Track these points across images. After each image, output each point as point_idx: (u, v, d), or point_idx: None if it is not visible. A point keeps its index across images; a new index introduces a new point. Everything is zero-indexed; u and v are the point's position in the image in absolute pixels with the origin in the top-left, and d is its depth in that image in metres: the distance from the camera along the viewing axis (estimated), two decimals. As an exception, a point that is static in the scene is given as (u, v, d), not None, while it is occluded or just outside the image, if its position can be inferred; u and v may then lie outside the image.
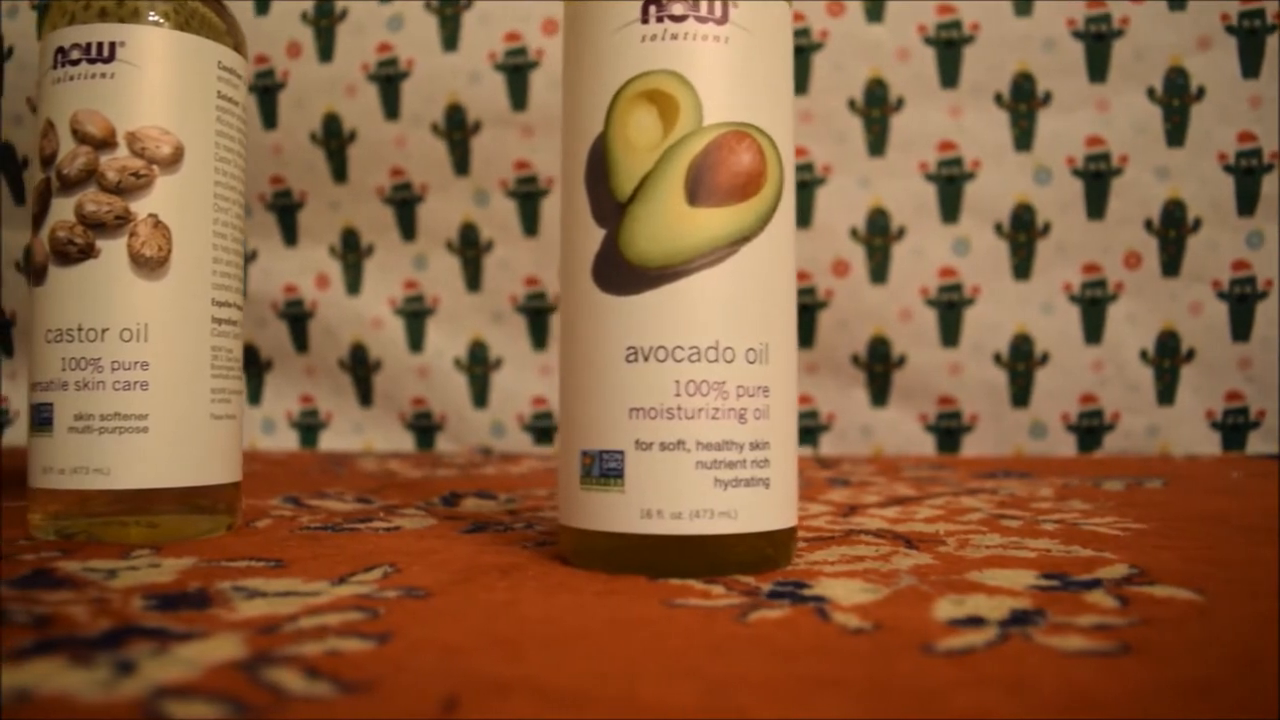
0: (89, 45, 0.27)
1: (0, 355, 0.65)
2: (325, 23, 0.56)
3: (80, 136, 0.27)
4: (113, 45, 0.27)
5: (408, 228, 0.57)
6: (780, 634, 0.18)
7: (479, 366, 0.57)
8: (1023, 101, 0.53)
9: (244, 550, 0.25)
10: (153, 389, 0.27)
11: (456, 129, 0.55)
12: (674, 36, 0.22)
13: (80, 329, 0.26)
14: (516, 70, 0.54)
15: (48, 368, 0.27)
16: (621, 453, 0.22)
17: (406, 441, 0.58)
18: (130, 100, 0.27)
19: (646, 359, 0.22)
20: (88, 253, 0.26)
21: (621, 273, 0.22)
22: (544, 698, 0.14)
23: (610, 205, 0.23)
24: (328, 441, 0.59)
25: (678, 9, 0.22)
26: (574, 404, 0.23)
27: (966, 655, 0.16)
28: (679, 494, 0.22)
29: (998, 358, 0.54)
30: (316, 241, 0.58)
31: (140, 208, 0.27)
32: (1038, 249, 0.53)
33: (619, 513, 0.22)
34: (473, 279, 0.57)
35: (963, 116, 0.53)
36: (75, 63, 0.27)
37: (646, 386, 0.22)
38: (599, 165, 0.23)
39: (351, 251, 0.58)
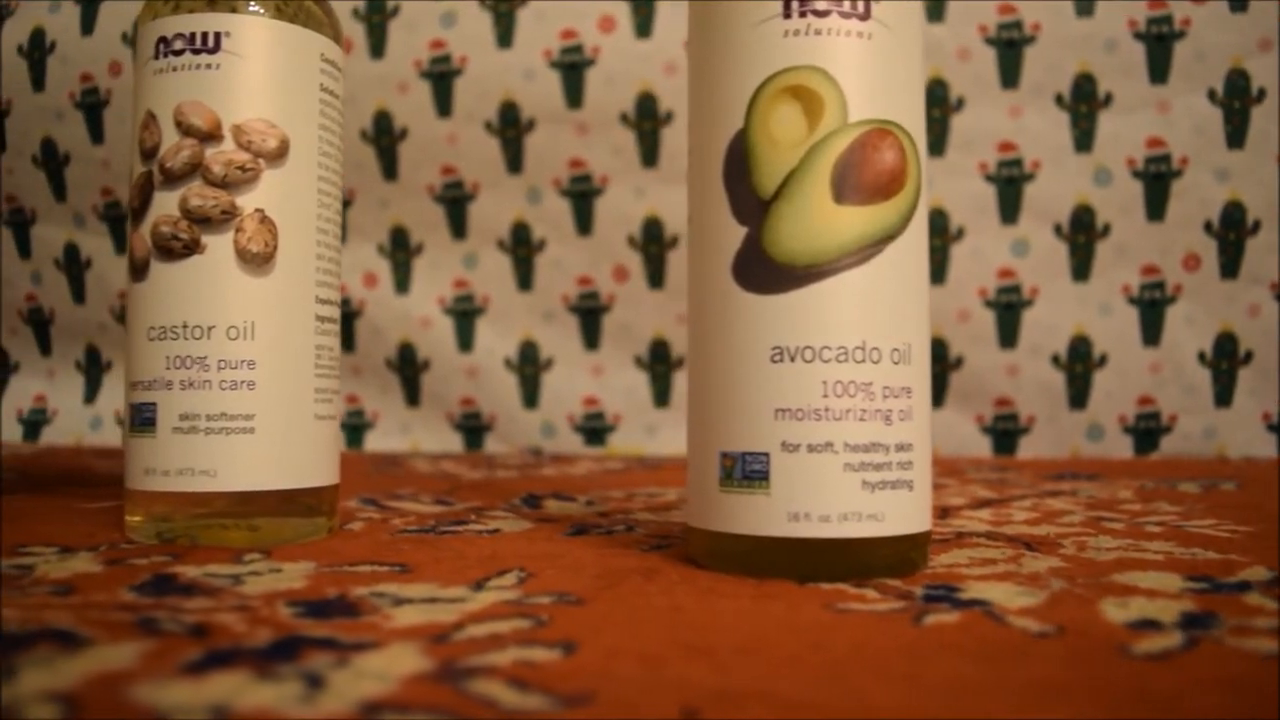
0: (193, 35, 0.26)
1: (14, 356, 0.64)
2: (377, 19, 0.55)
3: (185, 129, 0.26)
4: (218, 35, 0.26)
5: (458, 226, 0.56)
6: (967, 639, 0.17)
7: (529, 366, 0.57)
8: (1083, 102, 0.52)
9: (358, 554, 0.24)
10: (259, 388, 0.26)
11: (510, 127, 0.55)
12: (817, 32, 0.22)
13: (185, 326, 0.26)
14: (572, 68, 0.54)
15: (150, 366, 0.26)
16: (767, 454, 0.21)
17: (454, 442, 0.58)
18: (236, 92, 0.26)
19: (793, 359, 0.21)
20: (193, 248, 0.26)
21: (766, 271, 0.22)
22: (780, 706, 0.13)
23: (752, 203, 0.22)
24: (374, 442, 0.58)
25: (821, 4, 0.22)
26: (712, 404, 0.22)
27: (1169, 659, 0.16)
28: (827, 496, 0.21)
29: (1056, 359, 0.54)
30: (365, 240, 0.57)
31: (246, 202, 0.26)
32: (1097, 250, 0.53)
33: (764, 515, 0.21)
34: (524, 278, 0.56)
35: (1023, 117, 0.52)
36: (179, 53, 0.26)
37: (793, 387, 0.21)
38: (739, 162, 0.22)
39: (400, 250, 0.57)
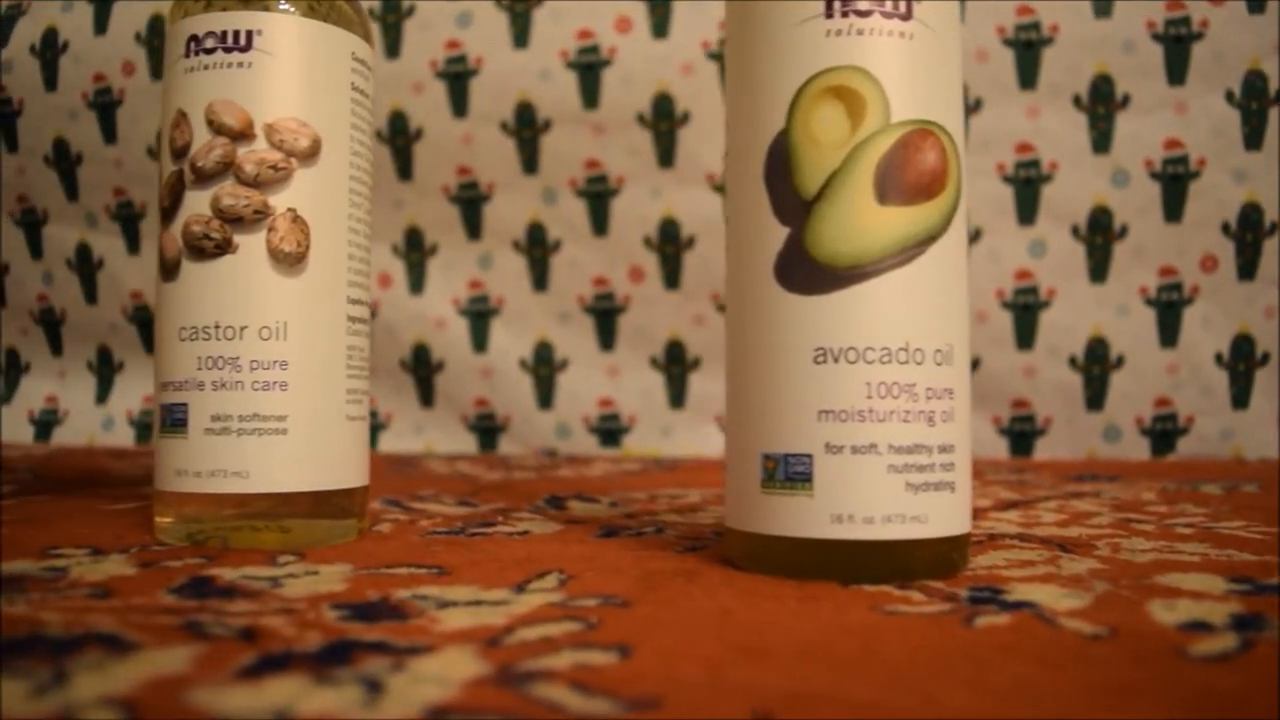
0: (225, 34, 0.26)
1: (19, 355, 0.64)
2: (393, 19, 0.55)
3: (216, 127, 0.26)
4: (249, 34, 0.26)
5: (473, 226, 0.56)
6: (1023, 641, 0.17)
7: (544, 367, 0.57)
8: (1101, 103, 0.52)
9: (393, 556, 0.24)
10: (291, 389, 0.26)
11: (526, 127, 0.55)
12: (859, 32, 0.22)
13: (218, 327, 0.26)
14: (589, 68, 0.54)
15: (181, 367, 0.26)
16: (810, 456, 0.21)
17: (468, 443, 0.57)
18: (268, 91, 0.26)
19: (836, 360, 0.21)
20: (225, 248, 0.26)
21: (808, 272, 0.22)
22: (853, 708, 0.13)
23: (794, 203, 0.22)
24: (387, 443, 0.58)
25: (863, 4, 0.22)
26: (753, 405, 0.22)
27: (1228, 661, 0.16)
28: (871, 498, 0.21)
29: (1073, 360, 0.54)
30: (379, 240, 0.57)
31: (278, 202, 0.26)
32: (1114, 251, 0.53)
33: (807, 517, 0.21)
34: (539, 279, 0.56)
35: (1041, 118, 0.52)
36: (210, 51, 0.26)
37: (837, 388, 0.21)
38: (781, 162, 0.22)
39: (415, 250, 0.57)
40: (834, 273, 0.22)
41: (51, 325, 0.63)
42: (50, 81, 0.58)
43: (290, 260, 0.26)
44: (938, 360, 0.22)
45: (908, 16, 0.22)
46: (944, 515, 0.22)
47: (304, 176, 0.26)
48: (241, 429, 0.25)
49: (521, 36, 0.54)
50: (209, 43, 0.26)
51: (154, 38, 0.57)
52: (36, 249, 0.62)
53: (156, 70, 0.57)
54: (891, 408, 0.21)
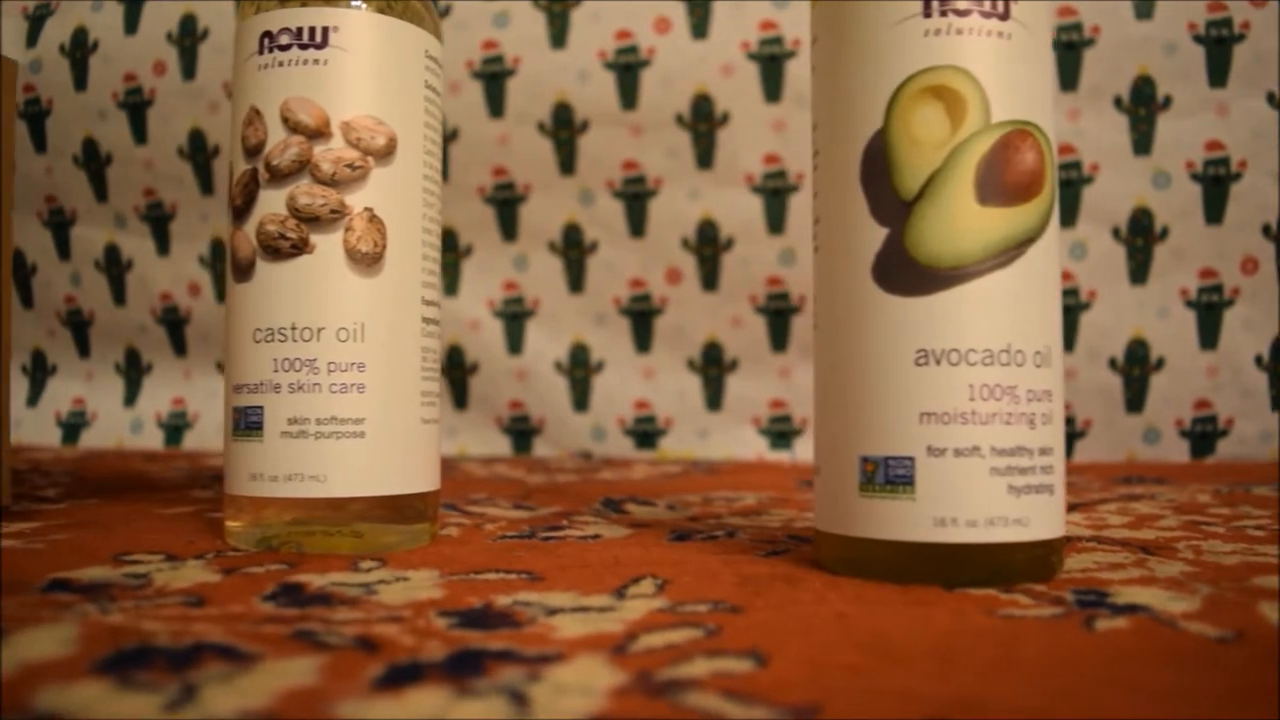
0: (300, 30, 0.26)
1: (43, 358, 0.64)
2: (428, 18, 0.55)
3: (292, 125, 0.25)
4: (325, 30, 0.26)
5: (509, 228, 0.56)
6: (1154, 644, 0.17)
7: (580, 369, 0.56)
8: (1142, 105, 0.52)
9: (476, 561, 0.24)
10: (369, 392, 0.25)
11: (563, 128, 0.54)
12: (958, 31, 0.22)
13: (294, 328, 0.25)
14: (627, 69, 0.53)
15: (257, 369, 0.26)
16: (911, 459, 0.21)
17: (502, 446, 0.57)
18: (344, 88, 0.26)
19: (939, 362, 0.21)
20: (301, 248, 0.25)
21: (909, 273, 0.21)
22: (1026, 714, 0.13)
23: (894, 204, 0.22)
24: (419, 445, 0.58)
25: (962, 4, 0.22)
26: (851, 408, 0.22)
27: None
28: (974, 501, 0.21)
29: (1113, 362, 0.53)
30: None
31: (355, 201, 0.26)
32: (1155, 253, 0.53)
33: (909, 520, 0.21)
34: (575, 280, 0.56)
35: (1081, 120, 0.52)
36: (285, 48, 0.26)
37: (939, 391, 0.21)
38: (879, 162, 0.22)
39: (449, 252, 0.56)
40: (935, 274, 0.21)
41: (79, 327, 0.62)
42: (80, 81, 0.58)
43: (367, 260, 0.25)
44: (1037, 362, 0.22)
45: (1006, 16, 0.22)
46: (1044, 518, 0.21)
47: (380, 175, 0.26)
48: (319, 432, 0.25)
49: (559, 36, 0.54)
50: (284, 39, 0.26)
51: (185, 37, 0.57)
52: (64, 250, 0.61)
53: (188, 70, 0.56)
54: (994, 410, 0.21)
